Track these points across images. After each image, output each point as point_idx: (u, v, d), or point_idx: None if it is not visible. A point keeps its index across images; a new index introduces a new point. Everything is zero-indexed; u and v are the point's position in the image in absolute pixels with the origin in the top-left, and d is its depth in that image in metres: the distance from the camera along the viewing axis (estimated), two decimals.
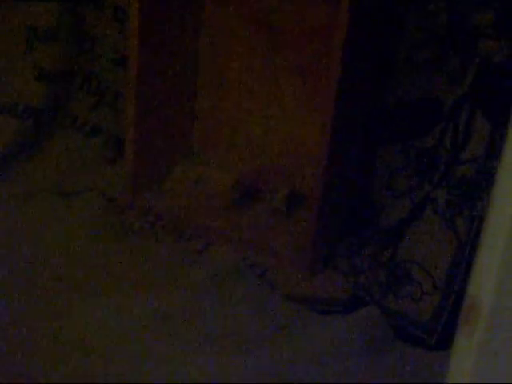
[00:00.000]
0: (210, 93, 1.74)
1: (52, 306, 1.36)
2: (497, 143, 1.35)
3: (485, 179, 1.35)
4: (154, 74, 1.61)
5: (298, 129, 1.65)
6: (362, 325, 1.32)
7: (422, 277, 1.39)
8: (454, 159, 1.40)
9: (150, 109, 1.62)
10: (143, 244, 1.56)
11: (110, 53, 1.74)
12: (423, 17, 1.42)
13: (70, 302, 1.37)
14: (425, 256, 1.40)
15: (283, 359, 1.25)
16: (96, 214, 1.59)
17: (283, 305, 1.42)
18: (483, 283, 0.62)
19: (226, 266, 1.46)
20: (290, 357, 1.26)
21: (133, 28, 1.51)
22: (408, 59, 1.46)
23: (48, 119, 1.74)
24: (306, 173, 1.65)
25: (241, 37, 1.66)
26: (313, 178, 1.49)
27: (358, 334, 1.31)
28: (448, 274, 1.36)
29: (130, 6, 1.50)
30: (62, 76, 1.73)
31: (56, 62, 1.72)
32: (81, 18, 1.72)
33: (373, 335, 1.32)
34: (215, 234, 1.59)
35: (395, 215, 1.48)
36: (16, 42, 1.73)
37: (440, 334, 1.33)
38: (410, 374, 1.28)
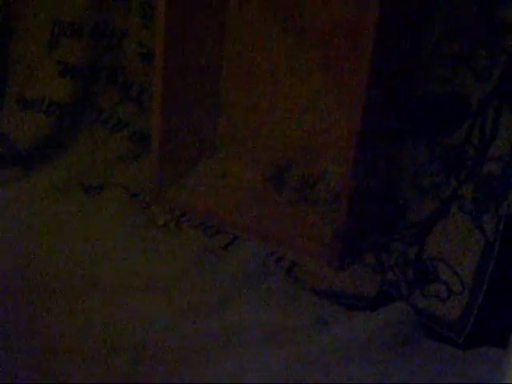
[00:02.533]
0: (235, 87, 1.74)
1: (75, 302, 1.36)
2: None
3: (510, 177, 1.34)
4: (180, 69, 1.60)
5: (323, 123, 1.65)
6: (389, 321, 1.31)
7: (450, 276, 1.38)
8: (481, 156, 1.38)
9: (175, 104, 1.62)
10: (168, 239, 1.55)
11: (136, 48, 1.74)
12: (451, 10, 1.41)
13: (94, 298, 1.37)
14: (452, 254, 1.39)
15: (311, 353, 1.25)
16: (121, 209, 1.59)
17: (311, 300, 1.41)
18: None
19: (252, 260, 1.45)
20: (318, 351, 1.25)
21: (159, 23, 1.51)
22: (435, 53, 1.45)
23: (73, 114, 1.74)
24: (332, 167, 1.65)
25: (266, 30, 1.66)
26: (341, 172, 1.49)
27: (385, 330, 1.30)
28: (476, 273, 1.35)
29: (157, 1, 1.50)
30: (87, 71, 1.73)
31: (81, 57, 1.72)
32: (107, 13, 1.72)
33: (400, 331, 1.31)
34: (241, 229, 1.59)
35: (422, 211, 1.47)
36: (41, 36, 1.73)
37: (468, 334, 1.32)
38: (437, 371, 1.27)
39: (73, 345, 1.26)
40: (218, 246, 1.54)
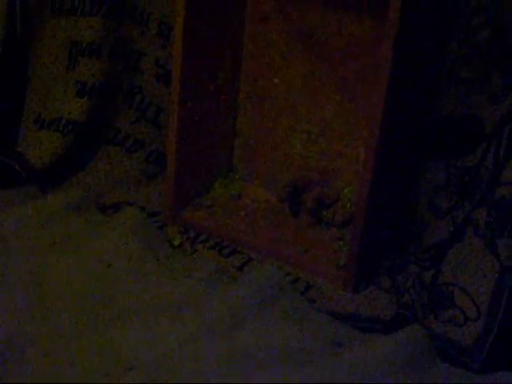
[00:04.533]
0: (251, 108, 1.75)
1: (88, 321, 1.36)
2: None
3: None
4: (197, 90, 1.61)
5: (339, 144, 1.65)
6: (404, 344, 1.30)
7: (465, 302, 1.37)
8: (494, 180, 1.38)
9: (191, 124, 1.62)
10: (183, 260, 1.55)
11: (153, 68, 1.74)
12: (466, 32, 1.41)
13: (107, 318, 1.37)
14: (467, 279, 1.38)
15: (325, 375, 1.24)
16: (136, 229, 1.59)
17: (326, 322, 1.41)
18: None
19: (268, 282, 1.45)
20: (333, 374, 1.24)
21: (177, 43, 1.51)
22: (451, 76, 1.44)
23: (90, 134, 1.75)
24: (348, 189, 1.65)
25: (282, 52, 1.66)
26: (357, 194, 1.49)
27: (400, 353, 1.29)
28: (491, 299, 1.34)
29: (175, 22, 1.50)
30: (104, 91, 1.74)
31: (98, 77, 1.72)
32: (125, 33, 1.73)
33: (415, 354, 1.30)
34: (256, 250, 1.58)
35: (438, 234, 1.46)
36: (59, 56, 1.74)
37: (484, 361, 1.31)
38: None
39: (85, 364, 1.25)
40: (233, 267, 1.54)
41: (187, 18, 1.50)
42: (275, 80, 1.70)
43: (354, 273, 1.48)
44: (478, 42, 1.40)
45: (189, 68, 1.55)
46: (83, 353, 1.28)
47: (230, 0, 1.63)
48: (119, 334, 1.33)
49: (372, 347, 1.31)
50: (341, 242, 1.59)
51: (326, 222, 1.65)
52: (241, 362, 1.28)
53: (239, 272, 1.53)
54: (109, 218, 1.65)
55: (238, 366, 1.27)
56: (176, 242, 1.61)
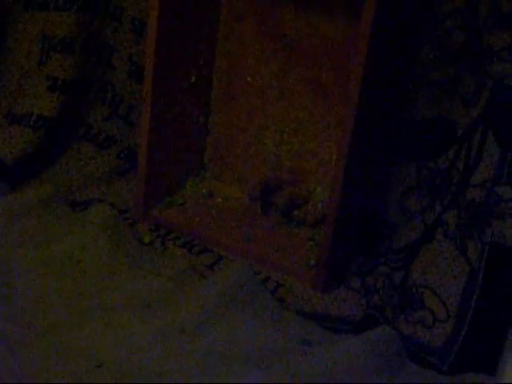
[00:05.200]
0: (224, 106, 1.74)
1: (56, 318, 1.35)
2: (506, 168, 1.34)
3: (494, 204, 1.34)
4: (169, 87, 1.60)
5: (311, 144, 1.65)
6: (374, 344, 1.31)
7: (435, 303, 1.38)
8: (465, 182, 1.38)
9: (163, 121, 1.62)
10: (153, 258, 1.55)
11: (126, 64, 1.74)
12: (440, 35, 1.42)
13: (75, 315, 1.36)
14: (437, 281, 1.39)
15: (294, 375, 1.24)
16: (106, 226, 1.58)
17: (295, 321, 1.41)
18: None
19: (238, 280, 1.44)
20: (302, 374, 1.24)
21: (150, 40, 1.51)
22: (423, 78, 1.45)
23: (61, 129, 1.74)
24: (319, 189, 1.65)
25: (256, 50, 1.66)
26: (328, 194, 1.49)
27: (369, 353, 1.29)
28: (461, 301, 1.35)
29: (149, 18, 1.50)
30: (76, 87, 1.73)
31: (70, 73, 1.71)
32: (98, 29, 1.71)
33: (385, 355, 1.31)
34: (227, 249, 1.58)
35: (409, 236, 1.47)
36: (31, 51, 1.73)
37: (453, 362, 1.32)
38: None
39: (53, 361, 1.24)
40: (203, 265, 1.54)
41: (161, 15, 1.49)
42: (248, 79, 1.69)
43: (325, 273, 1.48)
44: (451, 45, 1.40)
45: (162, 65, 1.55)
46: (50, 350, 1.27)
47: None
48: (88, 331, 1.32)
49: (342, 347, 1.31)
50: (311, 242, 1.59)
51: (297, 221, 1.65)
52: (209, 361, 1.28)
53: (209, 270, 1.53)
54: (79, 214, 1.64)
55: (207, 365, 1.26)
56: (146, 240, 1.60)
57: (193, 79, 1.67)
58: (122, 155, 1.77)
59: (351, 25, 1.50)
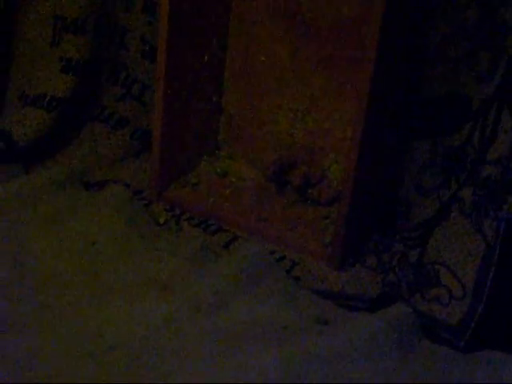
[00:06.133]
0: (237, 86, 1.74)
1: (73, 298, 1.35)
2: None
3: (509, 181, 1.33)
4: (183, 68, 1.60)
5: (326, 122, 1.64)
6: (390, 322, 1.30)
7: (451, 280, 1.37)
8: (481, 159, 1.38)
9: (177, 101, 1.61)
10: (168, 238, 1.55)
11: (138, 44, 1.73)
12: (454, 11, 1.40)
13: (92, 295, 1.37)
14: (453, 258, 1.38)
15: (310, 353, 1.23)
16: (121, 207, 1.58)
17: (311, 300, 1.41)
18: None
19: (252, 259, 1.44)
20: (317, 351, 1.24)
21: (163, 20, 1.50)
22: (438, 54, 1.44)
23: (74, 110, 1.74)
24: (334, 167, 1.64)
25: (269, 29, 1.65)
26: (343, 172, 1.48)
27: (386, 331, 1.29)
28: (477, 278, 1.34)
29: None
30: (89, 67, 1.72)
31: (83, 53, 1.71)
32: (110, 9, 1.71)
33: (401, 332, 1.30)
34: (242, 228, 1.58)
35: (424, 213, 1.47)
36: (43, 32, 1.73)
37: (469, 339, 1.31)
38: (437, 373, 1.27)
39: (67, 343, 1.25)
40: (218, 245, 1.54)
41: None
42: (262, 58, 1.69)
43: (340, 251, 1.48)
44: (466, 21, 1.39)
45: (175, 45, 1.54)
46: (66, 332, 1.27)
47: None
48: (103, 312, 1.33)
49: (357, 325, 1.31)
50: (327, 220, 1.59)
51: (312, 200, 1.64)
52: (225, 341, 1.28)
53: (224, 250, 1.53)
54: (94, 195, 1.64)
55: (222, 345, 1.26)
56: (161, 220, 1.60)
57: (206, 58, 1.67)
58: (135, 136, 1.77)
59: (365, 2, 1.49)
